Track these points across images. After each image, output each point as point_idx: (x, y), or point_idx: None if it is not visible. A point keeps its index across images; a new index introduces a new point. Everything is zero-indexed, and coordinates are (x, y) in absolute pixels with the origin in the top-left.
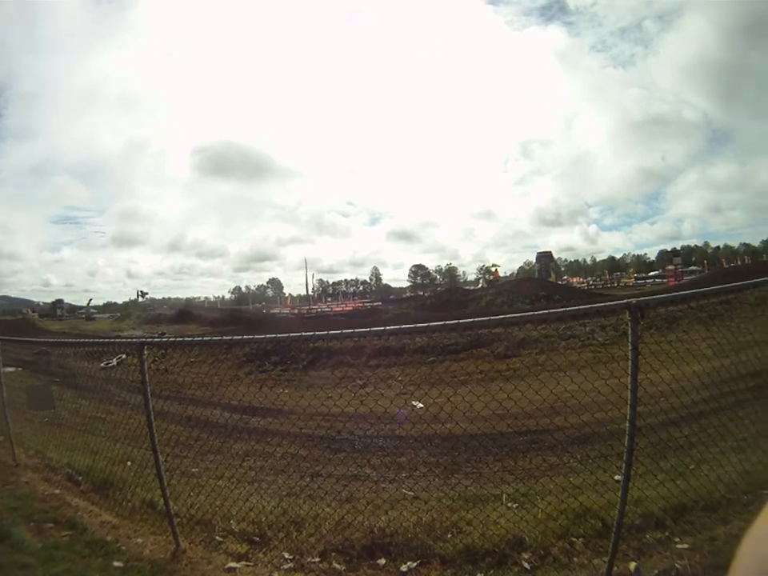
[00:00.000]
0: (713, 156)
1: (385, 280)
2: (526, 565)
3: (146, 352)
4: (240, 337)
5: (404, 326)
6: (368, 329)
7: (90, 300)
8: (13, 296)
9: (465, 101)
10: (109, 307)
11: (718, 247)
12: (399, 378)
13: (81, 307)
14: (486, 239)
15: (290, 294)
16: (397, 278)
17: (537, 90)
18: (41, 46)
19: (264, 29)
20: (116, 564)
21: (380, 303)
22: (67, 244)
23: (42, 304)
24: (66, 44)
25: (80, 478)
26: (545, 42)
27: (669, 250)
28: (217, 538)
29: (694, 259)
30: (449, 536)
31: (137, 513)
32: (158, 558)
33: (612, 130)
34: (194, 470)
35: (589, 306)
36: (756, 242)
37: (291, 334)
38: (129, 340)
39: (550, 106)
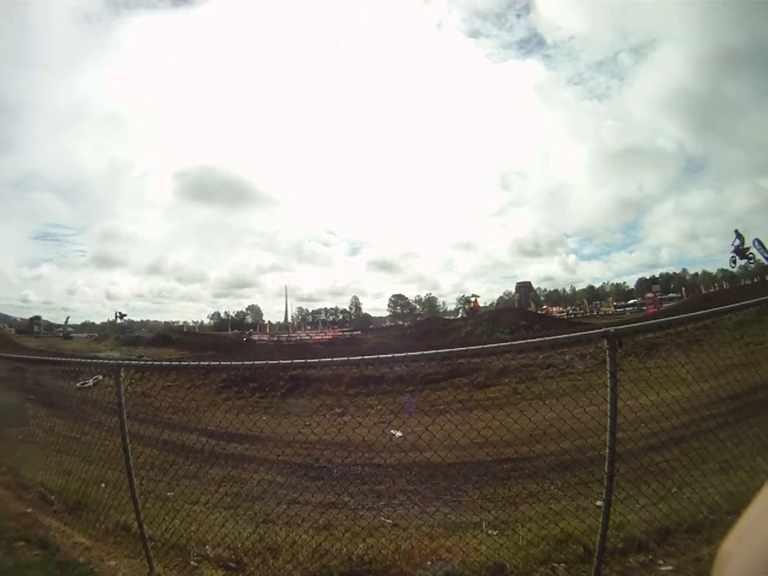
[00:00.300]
0: (688, 184)
1: (365, 309)
2: None
3: (122, 374)
4: (218, 363)
5: (381, 355)
6: (346, 357)
7: (68, 318)
8: None
9: (444, 132)
10: (86, 327)
11: (697, 274)
12: (378, 407)
13: (58, 325)
14: (466, 269)
15: (269, 321)
16: (377, 307)
17: (515, 122)
18: (25, 57)
19: (246, 58)
20: None
21: (359, 332)
22: (47, 261)
23: (19, 320)
24: (52, 58)
25: (53, 497)
26: (523, 74)
27: (647, 277)
28: (192, 563)
29: (672, 286)
30: (428, 563)
31: (110, 535)
32: None
33: (589, 160)
34: (169, 494)
35: (567, 335)
36: (734, 268)
37: (269, 362)
38: (106, 361)
39: (528, 137)
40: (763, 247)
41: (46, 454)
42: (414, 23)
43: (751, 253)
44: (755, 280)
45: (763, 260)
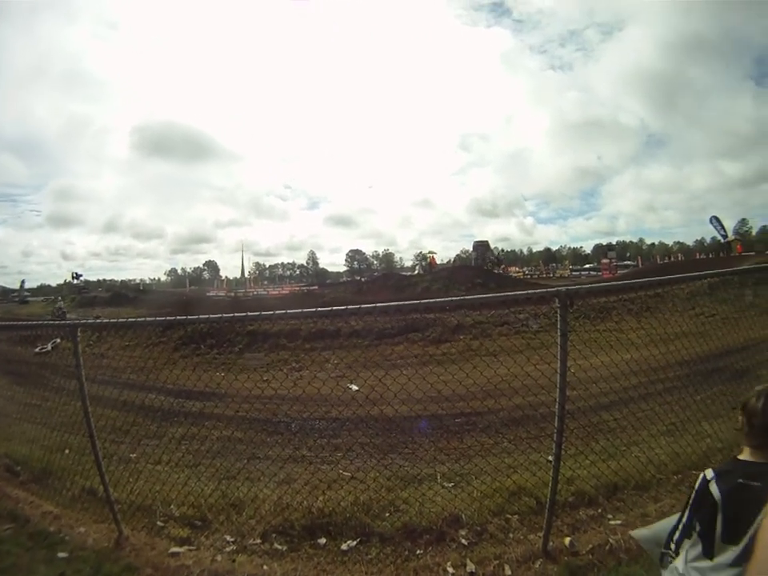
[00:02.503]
0: (648, 159)
1: (322, 264)
2: (464, 541)
3: (79, 334)
4: (174, 317)
5: (335, 307)
6: (300, 310)
7: (23, 282)
8: None
9: (408, 90)
10: (43, 290)
11: (653, 244)
12: (334, 361)
13: (14, 290)
14: (424, 227)
15: (226, 276)
16: (334, 262)
17: (479, 86)
18: None
19: (207, 8)
20: (61, 555)
21: (316, 287)
22: (0, 223)
23: None
24: (6, 9)
25: (18, 468)
26: (489, 40)
27: (604, 244)
28: (158, 523)
29: (628, 254)
30: (387, 514)
31: (78, 501)
32: (101, 547)
33: (550, 128)
34: (132, 455)
35: (519, 292)
36: (690, 242)
37: (224, 315)
38: (62, 322)
39: (491, 101)
40: (720, 224)
41: (8, 424)
42: None
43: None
44: (710, 255)
45: (719, 236)
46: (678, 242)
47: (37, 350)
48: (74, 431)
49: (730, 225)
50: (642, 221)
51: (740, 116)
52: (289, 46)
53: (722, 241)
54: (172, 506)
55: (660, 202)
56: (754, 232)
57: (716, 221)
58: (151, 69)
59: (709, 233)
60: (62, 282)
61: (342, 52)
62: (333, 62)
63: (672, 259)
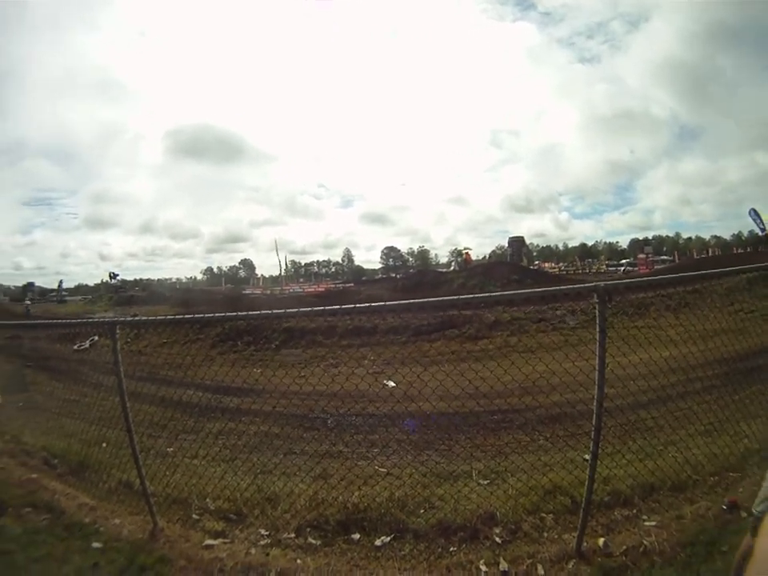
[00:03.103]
0: (681, 152)
1: (357, 262)
2: (498, 539)
3: (118, 332)
4: (212, 315)
5: (373, 303)
6: (338, 306)
7: (61, 282)
8: None
9: (438, 88)
10: (80, 290)
11: (690, 238)
12: (371, 358)
13: (52, 290)
14: (458, 223)
15: (261, 275)
16: (369, 259)
17: (508, 82)
18: (10, 22)
19: (239, 12)
20: (95, 545)
21: (352, 284)
22: (39, 226)
23: (12, 288)
24: (39, 21)
25: (56, 461)
26: (515, 35)
27: (640, 239)
28: (194, 516)
29: (665, 249)
30: (421, 511)
31: (114, 494)
32: (136, 538)
33: (581, 122)
34: (168, 449)
35: (557, 287)
36: (727, 235)
37: (263, 311)
38: (101, 319)
39: (521, 97)
40: (759, 217)
41: (47, 419)
42: None
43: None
44: (747, 249)
45: (758, 230)
46: (715, 236)
47: (75, 347)
48: (111, 426)
49: None
50: (678, 215)
51: None
52: (319, 45)
53: (761, 234)
54: (207, 500)
55: (695, 196)
56: None
57: (754, 213)
58: (181, 74)
59: (746, 226)
60: (99, 281)
61: (373, 50)
62: (363, 61)
63: (709, 254)
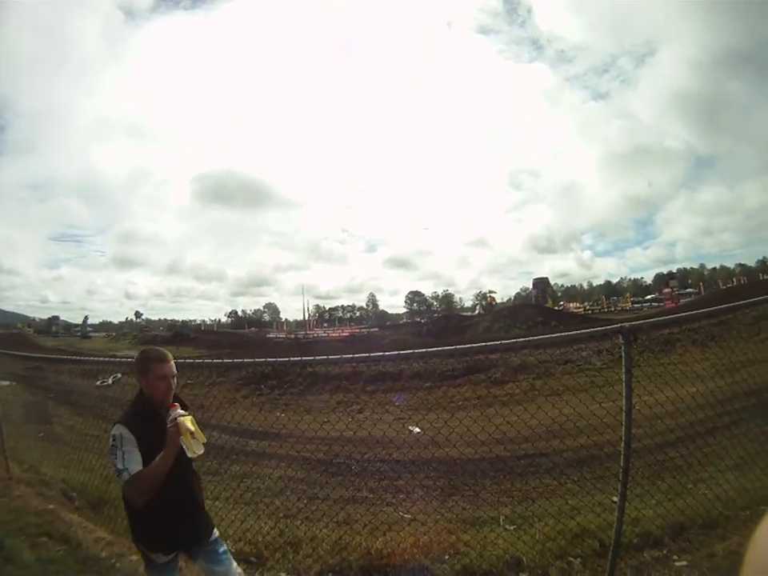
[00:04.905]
0: (698, 182)
1: (381, 306)
2: None
3: None
4: (241, 360)
5: (402, 351)
6: (366, 354)
7: (86, 318)
8: (8, 310)
9: (457, 132)
10: (105, 326)
11: (714, 269)
12: (396, 403)
13: (77, 325)
14: (482, 266)
15: (286, 318)
16: (393, 304)
17: (525, 123)
18: (52, 65)
19: (264, 65)
20: None
21: (376, 329)
22: (66, 261)
23: (37, 320)
24: (76, 65)
25: (74, 494)
26: (530, 77)
27: (665, 273)
28: None
29: (690, 281)
30: (446, 557)
31: None
32: None
33: (598, 160)
34: None
35: (581, 331)
36: (751, 262)
37: (291, 358)
38: (127, 359)
39: (538, 137)
40: None
41: (67, 452)
42: (425, 23)
43: None
44: None
45: None
46: (740, 264)
47: (98, 383)
48: None
49: None
50: (700, 246)
51: None
52: (341, 92)
53: None
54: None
55: (716, 225)
56: None
57: None
58: (210, 121)
59: None
60: (123, 319)
61: (394, 96)
62: (383, 107)
63: (735, 283)
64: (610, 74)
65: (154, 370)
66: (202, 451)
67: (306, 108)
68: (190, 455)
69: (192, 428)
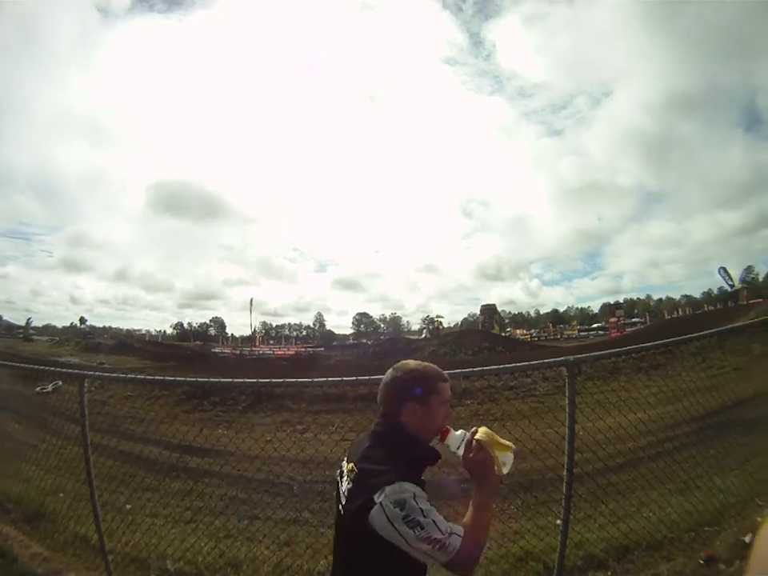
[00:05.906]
0: (647, 216)
1: (329, 326)
2: None
3: (86, 384)
4: (194, 379)
5: (361, 377)
6: (325, 378)
7: (30, 320)
8: None
9: (411, 159)
10: (48, 330)
11: (661, 299)
12: (339, 425)
13: (19, 326)
14: (431, 291)
15: (232, 333)
16: (341, 324)
17: (480, 154)
18: (11, 50)
19: (227, 77)
20: None
21: (322, 348)
22: (13, 259)
23: None
24: (38, 55)
25: (11, 505)
26: (486, 110)
27: (611, 302)
28: None
29: (636, 311)
30: None
31: (69, 546)
32: None
33: (550, 193)
34: (128, 506)
35: (527, 363)
36: (697, 294)
37: (236, 380)
38: (70, 371)
39: (492, 169)
40: (728, 275)
41: (4, 461)
42: (391, 46)
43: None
44: (717, 306)
45: (727, 286)
46: (686, 295)
47: (37, 389)
48: (69, 476)
49: (736, 273)
50: (647, 277)
51: (732, 165)
52: (298, 113)
53: (730, 290)
54: (167, 561)
55: (663, 257)
56: (761, 278)
57: (723, 271)
58: (169, 130)
59: (716, 283)
60: (68, 324)
61: (349, 119)
62: (340, 130)
63: (680, 313)
64: (567, 110)
65: (439, 393)
66: (512, 462)
67: (267, 123)
68: (505, 472)
69: (497, 439)
